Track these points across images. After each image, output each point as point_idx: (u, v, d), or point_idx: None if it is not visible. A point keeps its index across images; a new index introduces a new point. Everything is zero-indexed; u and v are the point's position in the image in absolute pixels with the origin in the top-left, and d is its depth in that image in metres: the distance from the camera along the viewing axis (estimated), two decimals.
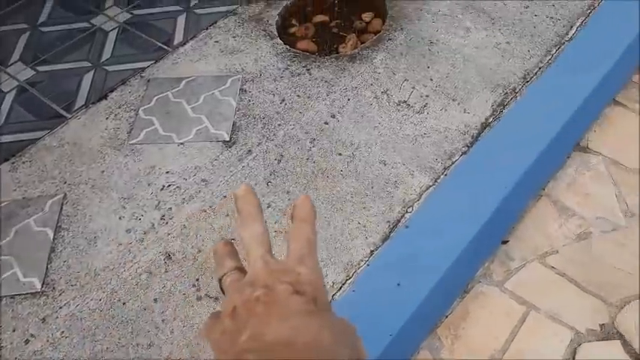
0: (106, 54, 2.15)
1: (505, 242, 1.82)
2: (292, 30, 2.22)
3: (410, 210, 1.67)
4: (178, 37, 2.19)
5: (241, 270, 0.49)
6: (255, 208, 0.50)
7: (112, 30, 2.25)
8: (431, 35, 2.11)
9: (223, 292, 0.48)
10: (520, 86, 1.97)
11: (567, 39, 2.12)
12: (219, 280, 0.49)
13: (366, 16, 2.24)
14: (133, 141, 1.81)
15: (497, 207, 1.71)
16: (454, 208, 1.69)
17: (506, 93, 1.95)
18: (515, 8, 2.21)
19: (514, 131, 1.88)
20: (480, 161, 1.80)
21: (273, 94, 1.94)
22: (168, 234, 1.58)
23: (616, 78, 2.18)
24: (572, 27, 2.15)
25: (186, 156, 1.77)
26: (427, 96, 1.93)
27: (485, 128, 1.87)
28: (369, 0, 2.30)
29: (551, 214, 1.89)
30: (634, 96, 2.22)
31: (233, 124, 1.84)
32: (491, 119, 1.89)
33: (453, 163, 1.78)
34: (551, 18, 2.18)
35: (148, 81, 2.01)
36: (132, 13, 2.33)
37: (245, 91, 1.96)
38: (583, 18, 2.18)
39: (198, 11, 2.30)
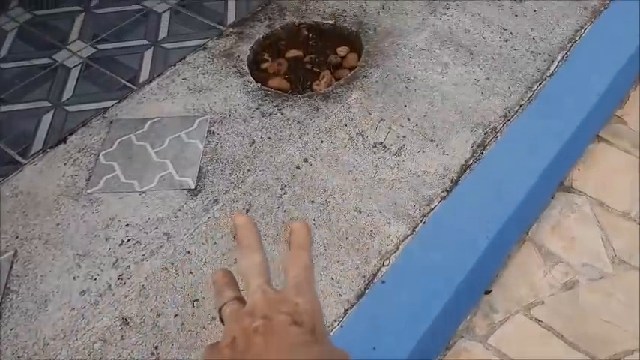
0: (68, 92, 2.04)
1: (488, 292, 1.73)
2: (264, 65, 2.13)
3: (387, 263, 1.58)
4: (144, 74, 2.08)
5: (241, 300, 0.48)
6: (255, 238, 0.50)
7: (75, 66, 2.15)
8: (408, 72, 2.03)
9: (222, 322, 0.48)
10: (501, 125, 1.89)
11: (549, 74, 2.05)
12: (219, 310, 0.48)
13: (342, 51, 2.15)
14: (92, 190, 1.70)
15: (479, 257, 1.62)
16: (433, 259, 1.60)
17: (487, 133, 1.87)
18: (495, 42, 2.14)
19: (495, 174, 1.80)
20: (461, 207, 1.71)
21: (243, 137, 1.84)
22: (126, 296, 1.46)
23: (599, 113, 2.11)
24: (553, 61, 2.09)
25: (148, 206, 1.66)
26: (404, 137, 1.85)
27: (465, 171, 1.78)
28: (345, 34, 2.22)
29: (536, 261, 1.80)
30: (618, 131, 2.15)
31: (199, 170, 1.74)
32: (471, 161, 1.80)
33: (431, 209, 1.69)
34: (532, 52, 2.11)
35: (111, 122, 1.90)
36: (96, 48, 2.22)
37: (213, 133, 1.85)
38: (564, 52, 2.12)
39: (166, 46, 2.21)
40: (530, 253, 1.82)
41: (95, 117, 1.93)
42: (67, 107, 1.98)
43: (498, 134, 1.88)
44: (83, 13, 2.39)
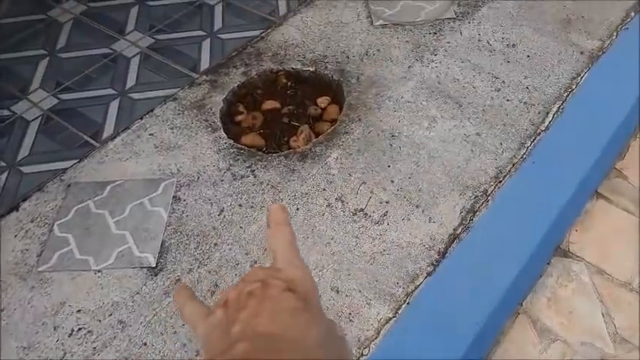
0: (24, 151, 1.88)
1: None
2: (239, 118, 1.98)
3: (366, 352, 1.42)
4: (109, 128, 1.93)
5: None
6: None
7: (34, 119, 1.99)
8: (392, 127, 1.88)
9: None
10: (492, 187, 1.75)
11: (543, 128, 1.91)
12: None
13: (322, 102, 2.01)
14: (43, 267, 1.54)
15: (470, 342, 1.47)
16: (418, 347, 1.45)
17: (477, 196, 1.72)
18: (486, 92, 2.00)
19: (486, 244, 1.65)
20: (448, 285, 1.56)
21: (211, 203, 1.69)
22: None
23: (598, 169, 1.97)
24: (548, 113, 1.95)
25: (102, 288, 1.50)
26: (387, 202, 1.70)
27: (453, 241, 1.63)
28: (326, 82, 2.08)
29: (531, 338, 1.65)
30: (618, 187, 2.01)
31: (162, 244, 1.58)
32: (460, 229, 1.65)
33: (416, 287, 1.54)
34: (525, 103, 1.97)
35: (69, 186, 1.75)
36: (59, 98, 2.07)
37: (179, 199, 1.70)
38: (560, 103, 1.98)
39: (134, 95, 2.06)
40: (525, 329, 1.67)
41: (52, 179, 1.78)
42: (22, 168, 1.82)
43: (489, 197, 1.73)
44: (47, 58, 2.24)
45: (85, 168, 1.81)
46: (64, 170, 1.80)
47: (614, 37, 2.21)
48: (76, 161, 1.82)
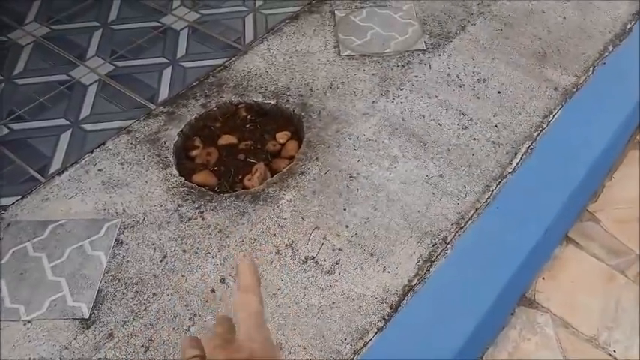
0: None
1: None
2: (194, 153, 1.90)
3: None
4: (57, 162, 1.85)
5: (202, 358, 0.51)
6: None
7: None
8: (351, 167, 1.80)
9: None
10: (452, 234, 1.66)
11: (510, 170, 1.82)
12: None
13: (281, 138, 1.93)
14: None
15: None
16: None
17: (435, 244, 1.64)
18: (452, 130, 1.92)
19: (444, 295, 1.57)
20: (400, 341, 1.48)
21: (155, 248, 1.61)
22: None
23: (569, 213, 1.89)
24: (516, 154, 1.87)
25: (30, 341, 1.41)
26: (340, 249, 1.61)
27: (407, 293, 1.55)
28: (286, 116, 2.00)
29: None
30: (589, 231, 1.93)
31: (97, 293, 1.50)
32: (415, 280, 1.57)
33: (365, 344, 1.45)
34: (493, 142, 1.89)
35: (9, 225, 1.67)
36: (10, 128, 1.99)
37: (121, 242, 1.62)
38: (529, 142, 1.90)
39: (87, 127, 1.98)
40: None
41: None
42: None
43: (449, 245, 1.65)
44: (2, 84, 2.17)
45: (28, 205, 1.73)
46: (6, 208, 1.72)
47: (591, 72, 2.13)
48: (18, 198, 1.74)
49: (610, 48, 2.22)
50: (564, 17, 2.33)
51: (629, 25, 2.30)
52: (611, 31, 2.28)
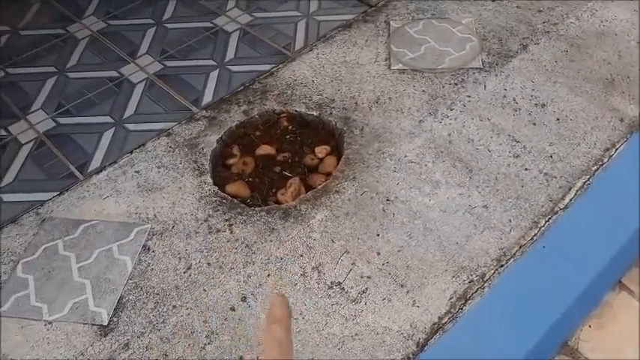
0: (10, 176, 1.84)
1: None
2: (230, 161, 1.86)
3: None
4: (96, 161, 1.87)
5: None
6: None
7: (26, 143, 1.95)
8: (389, 189, 1.72)
9: None
10: (491, 271, 1.56)
11: (562, 206, 1.69)
12: None
13: (320, 152, 1.87)
14: None
15: None
16: None
17: (472, 281, 1.54)
18: (502, 158, 1.80)
19: (474, 340, 1.46)
20: None
21: (180, 258, 1.58)
22: None
23: (624, 257, 1.74)
24: (570, 189, 1.73)
25: (49, 343, 1.42)
26: (369, 277, 1.54)
27: (437, 332, 1.46)
28: (328, 129, 1.93)
29: None
30: None
31: (119, 300, 1.49)
32: (446, 318, 1.47)
33: None
34: (546, 174, 1.76)
35: (43, 220, 1.69)
36: (56, 122, 2.02)
37: (148, 249, 1.60)
38: (586, 177, 1.76)
39: (129, 126, 1.98)
40: None
41: (28, 212, 1.72)
42: (2, 195, 1.78)
43: (486, 283, 1.54)
44: (55, 77, 2.21)
45: (64, 202, 1.74)
46: (42, 203, 1.74)
47: None
48: (55, 194, 1.76)
49: None
50: (638, 42, 2.15)
51: None
52: None
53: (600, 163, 1.80)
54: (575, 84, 2.01)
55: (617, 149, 1.83)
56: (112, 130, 1.97)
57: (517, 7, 2.32)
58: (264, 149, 1.88)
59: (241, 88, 2.09)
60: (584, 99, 1.97)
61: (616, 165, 1.80)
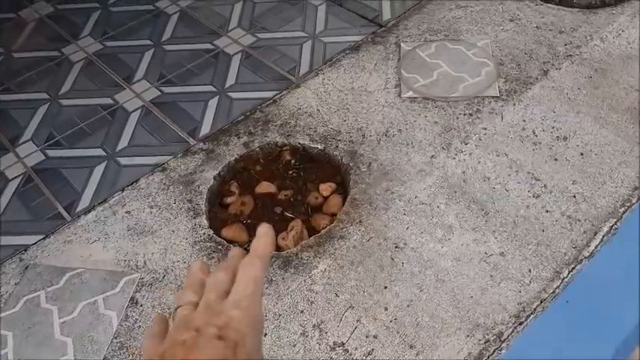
0: None
1: None
2: (228, 200, 1.74)
3: None
4: (85, 199, 1.75)
5: (195, 306, 0.50)
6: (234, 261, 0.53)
7: (13, 179, 1.85)
8: (398, 235, 1.59)
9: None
10: (510, 330, 1.42)
11: (587, 254, 1.55)
12: (175, 309, 0.51)
13: (325, 189, 1.74)
14: None
15: None
16: None
17: (488, 340, 1.40)
18: (521, 198, 1.66)
19: None
20: None
21: (170, 314, 1.46)
22: None
23: None
24: (596, 234, 1.58)
25: None
26: (375, 337, 1.41)
27: None
28: (334, 165, 1.80)
29: None
30: None
31: None
32: None
33: None
34: (569, 217, 1.62)
35: (26, 267, 1.58)
36: (46, 155, 1.91)
37: (136, 302, 1.49)
38: (613, 221, 1.61)
39: (122, 160, 1.87)
40: None
41: (12, 257, 1.61)
42: None
43: (504, 344, 1.40)
44: (47, 104, 2.10)
45: (49, 247, 1.63)
46: (27, 247, 1.63)
47: None
48: (41, 237, 1.65)
49: None
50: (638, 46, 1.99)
51: None
52: None
53: (628, 204, 1.65)
54: (600, 114, 1.86)
55: None
56: (103, 165, 1.85)
57: (536, 27, 2.17)
58: (265, 187, 1.75)
59: (242, 117, 1.97)
60: (610, 131, 1.82)
61: None
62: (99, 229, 1.66)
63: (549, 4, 2.25)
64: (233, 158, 1.83)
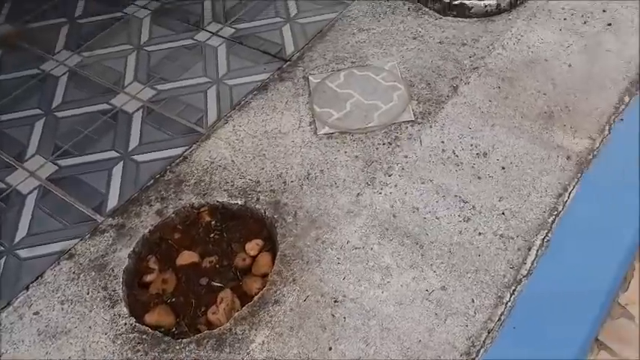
0: None
1: None
2: (148, 278, 1.60)
3: None
4: None
5: None
6: None
7: None
8: (335, 287, 1.50)
9: None
10: None
11: (524, 272, 1.52)
12: None
13: (252, 248, 1.63)
14: None
15: None
16: None
17: None
18: (452, 225, 1.62)
19: None
20: None
21: None
22: None
23: (598, 318, 1.59)
24: (530, 249, 1.57)
25: None
26: None
27: None
28: (257, 219, 1.70)
29: None
30: (622, 330, 1.62)
31: None
32: None
33: None
34: (501, 236, 1.59)
35: None
36: None
37: None
38: (544, 232, 1.60)
39: (21, 252, 1.68)
40: None
41: None
42: None
43: None
44: None
45: None
46: None
47: (607, 131, 1.83)
48: None
49: (626, 98, 1.92)
50: (569, 65, 2.03)
51: None
52: (626, 77, 1.98)
53: (555, 212, 1.64)
54: (513, 124, 1.87)
55: (570, 193, 1.69)
56: (1, 261, 1.66)
57: (439, 42, 2.16)
58: (187, 257, 1.62)
59: (151, 181, 1.82)
60: (526, 140, 1.82)
61: (572, 213, 1.66)
62: (6, 340, 1.47)
63: (447, 17, 2.25)
64: (147, 230, 1.68)
